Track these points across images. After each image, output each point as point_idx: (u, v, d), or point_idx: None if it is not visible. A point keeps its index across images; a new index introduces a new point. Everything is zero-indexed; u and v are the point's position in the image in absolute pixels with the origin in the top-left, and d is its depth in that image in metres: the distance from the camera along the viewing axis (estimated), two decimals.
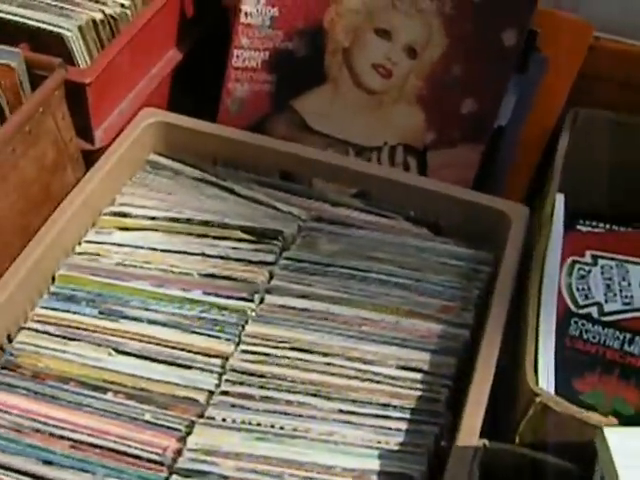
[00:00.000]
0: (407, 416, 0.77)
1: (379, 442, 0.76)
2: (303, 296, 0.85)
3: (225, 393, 0.79)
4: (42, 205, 0.88)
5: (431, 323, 0.84)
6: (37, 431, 0.77)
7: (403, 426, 0.77)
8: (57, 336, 0.83)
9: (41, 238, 0.85)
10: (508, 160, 0.98)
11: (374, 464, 0.75)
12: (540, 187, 0.98)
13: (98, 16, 0.98)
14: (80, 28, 0.96)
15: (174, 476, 0.74)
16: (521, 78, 0.96)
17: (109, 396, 0.80)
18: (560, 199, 0.89)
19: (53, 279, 0.87)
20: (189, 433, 0.77)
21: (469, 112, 0.98)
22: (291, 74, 1.00)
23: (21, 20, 0.96)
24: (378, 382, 0.79)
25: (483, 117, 0.98)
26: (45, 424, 0.78)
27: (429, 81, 0.98)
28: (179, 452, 0.76)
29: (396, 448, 0.76)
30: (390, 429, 0.77)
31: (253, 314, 0.84)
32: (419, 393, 0.79)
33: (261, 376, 0.80)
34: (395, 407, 0.78)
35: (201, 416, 0.78)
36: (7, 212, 0.84)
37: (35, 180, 0.87)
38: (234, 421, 0.77)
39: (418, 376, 0.80)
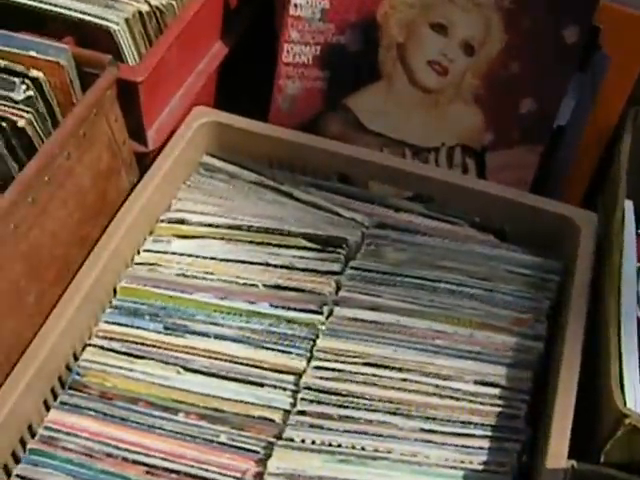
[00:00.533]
0: (488, 433, 0.76)
1: (462, 462, 0.74)
2: (372, 308, 0.83)
3: (302, 413, 0.76)
4: (99, 213, 0.84)
5: (505, 335, 0.81)
6: (109, 455, 0.75)
7: (485, 444, 0.75)
8: (123, 353, 0.81)
9: (101, 249, 0.82)
10: (567, 161, 0.96)
11: None
12: (597, 189, 0.96)
13: (144, 8, 0.92)
14: (127, 21, 0.90)
15: None
16: (582, 77, 0.94)
17: (180, 417, 0.77)
18: (629, 206, 0.87)
19: (114, 292, 0.85)
20: (267, 455, 0.75)
21: (528, 112, 0.95)
22: (344, 70, 0.96)
23: (64, 12, 0.90)
24: (457, 399, 0.77)
25: (543, 117, 0.95)
26: (117, 448, 0.75)
27: (487, 79, 0.95)
28: (259, 475, 0.74)
29: (480, 467, 0.74)
30: (473, 448, 0.75)
31: (323, 328, 0.82)
32: (498, 409, 0.77)
33: (338, 394, 0.77)
34: (476, 425, 0.76)
35: (278, 437, 0.76)
36: (65, 222, 0.80)
37: (91, 187, 0.83)
38: (314, 442, 0.75)
39: (496, 391, 0.78)
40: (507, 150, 0.96)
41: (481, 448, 0.75)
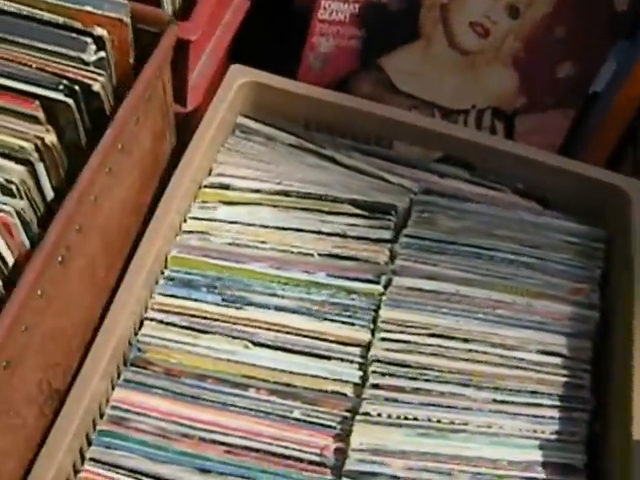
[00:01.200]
0: (557, 403, 0.76)
1: (535, 431, 0.74)
2: (431, 277, 0.81)
3: (376, 386, 0.75)
4: (153, 179, 0.80)
5: (562, 305, 0.81)
6: (185, 436, 0.72)
7: (555, 414, 0.76)
8: (184, 327, 0.77)
9: (160, 218, 0.77)
10: (596, 128, 0.96)
11: (536, 455, 0.74)
12: (619, 157, 0.97)
13: None
14: None
15: (344, 479, 0.71)
16: (625, 44, 0.94)
17: (251, 393, 0.75)
18: None
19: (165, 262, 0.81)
20: (344, 430, 0.73)
21: (566, 76, 0.94)
22: (381, 30, 0.93)
23: None
24: (524, 369, 0.77)
25: (579, 82, 0.94)
26: (192, 428, 0.72)
27: (527, 42, 0.93)
28: (339, 451, 0.73)
29: (553, 437, 0.75)
30: (543, 417, 0.75)
31: (384, 298, 0.81)
32: (563, 379, 0.77)
33: (408, 366, 0.76)
34: (543, 394, 0.76)
35: (351, 411, 0.75)
36: (130, 190, 0.75)
37: (149, 152, 0.78)
38: (390, 416, 0.73)
39: (559, 361, 0.78)
40: (539, 114, 0.96)
41: (551, 418, 0.75)
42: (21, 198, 0.64)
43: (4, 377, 0.59)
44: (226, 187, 0.85)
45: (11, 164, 0.64)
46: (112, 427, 0.72)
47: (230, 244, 0.82)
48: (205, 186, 0.85)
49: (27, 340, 0.62)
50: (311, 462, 0.72)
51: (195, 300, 0.79)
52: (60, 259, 0.64)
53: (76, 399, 0.67)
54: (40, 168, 0.65)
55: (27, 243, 0.64)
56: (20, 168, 0.64)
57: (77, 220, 0.65)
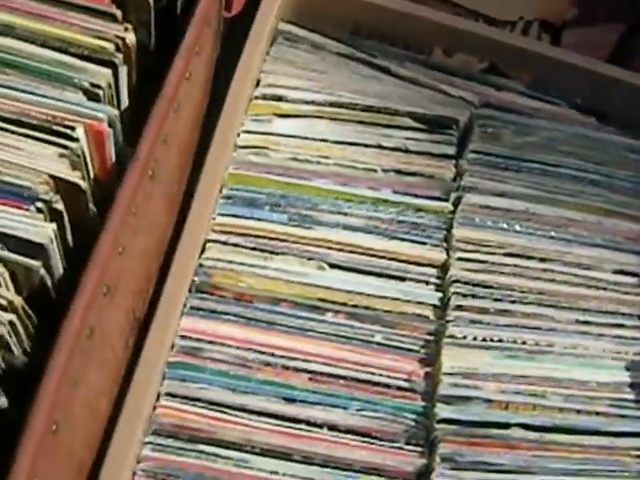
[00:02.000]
0: (638, 324, 0.74)
1: (619, 352, 0.71)
2: (500, 194, 0.77)
3: (459, 308, 0.71)
4: (208, 88, 0.72)
5: (631, 223, 0.78)
6: (267, 364, 0.67)
7: (637, 334, 0.73)
8: (251, 249, 0.71)
9: (221, 138, 0.70)
10: None
11: (623, 376, 0.70)
12: None
13: None
14: None
15: (439, 404, 0.67)
16: None
17: (329, 317, 0.70)
18: None
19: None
20: (428, 354, 0.69)
21: None
22: None
23: None
24: (603, 289, 0.74)
25: None
26: (273, 355, 0.67)
27: None
28: (427, 376, 0.69)
29: (637, 358, 0.72)
30: (626, 338, 0.72)
31: (456, 216, 0.76)
32: None
33: (488, 287, 0.72)
34: (624, 315, 0.73)
35: (432, 334, 0.70)
36: (183, 138, 0.68)
37: (210, 57, 0.71)
38: (475, 338, 0.69)
39: (635, 280, 0.76)
40: (588, 28, 0.92)
41: (634, 339, 0.72)
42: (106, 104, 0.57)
43: (104, 304, 0.53)
44: (279, 99, 0.79)
45: (95, 66, 0.57)
46: (185, 358, 0.66)
47: (290, 159, 0.76)
48: (256, 97, 0.79)
49: (123, 263, 0.55)
50: (400, 388, 0.67)
51: (259, 219, 0.72)
52: (151, 173, 0.57)
53: (160, 329, 0.61)
54: (123, 71, 0.58)
55: (114, 156, 0.57)
56: (106, 71, 0.57)
57: (164, 130, 0.59)
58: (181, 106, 0.61)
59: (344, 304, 0.70)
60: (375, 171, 0.77)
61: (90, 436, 0.55)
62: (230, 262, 0.70)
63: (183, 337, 0.67)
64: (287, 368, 0.67)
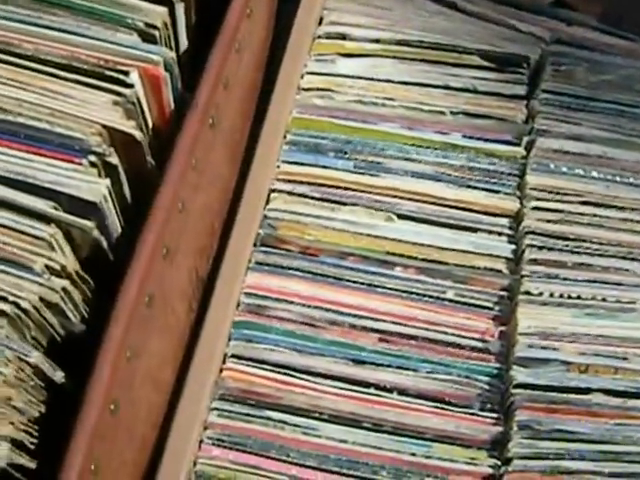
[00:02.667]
0: None
1: None
2: (575, 138, 0.67)
3: (534, 261, 0.62)
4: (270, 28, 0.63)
5: None
6: (334, 323, 0.58)
7: None
8: (317, 199, 0.62)
9: (283, 82, 0.62)
10: None
11: None
12: None
13: None
14: None
15: (515, 367, 0.59)
16: None
17: (398, 271, 0.61)
18: None
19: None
20: (502, 311, 0.61)
21: None
22: None
23: None
24: None
25: None
26: (340, 313, 0.59)
27: None
28: (502, 335, 0.61)
29: None
30: None
31: (530, 162, 0.66)
32: None
33: (565, 238, 0.62)
34: None
35: (506, 289, 0.62)
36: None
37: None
38: (552, 295, 0.60)
39: None
40: None
41: None
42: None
43: (164, 267, 0.45)
44: (342, 37, 0.68)
45: (150, 5, 0.48)
46: (251, 317, 0.58)
47: (355, 101, 0.66)
48: (319, 37, 0.69)
49: (183, 220, 0.47)
50: (473, 348, 0.59)
51: (324, 167, 0.63)
52: (211, 121, 0.49)
53: (226, 287, 0.53)
54: (180, 9, 0.49)
55: (172, 103, 0.49)
56: (161, 9, 0.48)
57: (225, 73, 0.50)
58: (242, 46, 0.52)
59: (413, 258, 0.61)
60: (443, 113, 0.67)
61: (153, 410, 0.48)
62: (295, 213, 0.61)
63: (248, 294, 0.58)
64: (355, 327, 0.58)
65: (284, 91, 0.60)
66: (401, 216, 0.62)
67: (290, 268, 0.60)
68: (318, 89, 0.66)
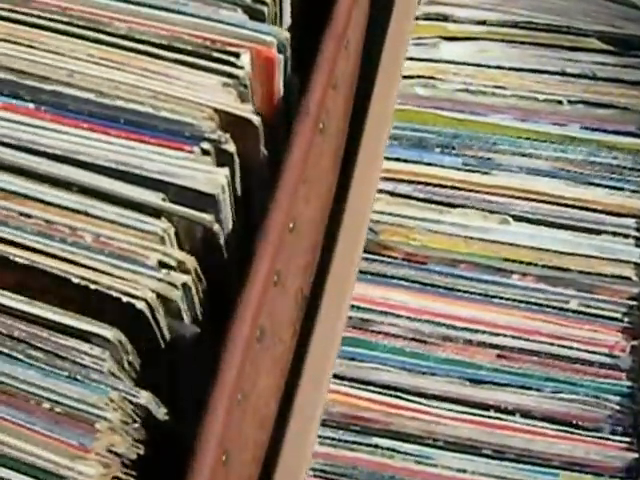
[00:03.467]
0: None
1: None
2: None
3: None
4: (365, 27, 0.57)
5: None
6: (447, 339, 0.52)
7: None
8: (422, 200, 0.56)
9: (386, 70, 0.55)
10: None
11: None
12: None
13: None
14: None
15: None
16: None
17: (515, 280, 0.54)
18: None
19: None
20: (632, 322, 0.54)
21: None
22: None
23: None
24: None
25: None
26: (454, 328, 0.52)
27: None
28: (634, 350, 0.54)
29: None
30: None
31: None
32: None
33: None
34: None
35: (635, 298, 0.55)
36: (351, 77, 0.54)
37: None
38: None
39: None
40: None
41: None
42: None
43: (274, 296, 0.39)
44: (444, 18, 0.62)
45: None
46: (355, 333, 0.52)
47: (461, 90, 0.60)
48: (417, 18, 0.63)
49: (294, 241, 0.41)
50: (602, 365, 0.52)
51: (429, 164, 0.57)
52: (321, 126, 0.43)
53: (334, 305, 0.47)
54: None
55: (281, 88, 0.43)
56: None
57: (336, 73, 0.44)
58: (350, 41, 0.46)
59: (532, 264, 0.54)
60: (560, 103, 0.60)
61: (258, 449, 0.42)
62: (399, 216, 0.55)
63: (352, 307, 0.52)
64: (470, 343, 0.52)
65: (386, 80, 0.53)
66: (515, 218, 0.55)
67: (395, 277, 0.53)
68: (419, 77, 0.59)
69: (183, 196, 0.42)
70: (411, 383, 0.50)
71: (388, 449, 0.49)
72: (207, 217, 0.42)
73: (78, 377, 0.37)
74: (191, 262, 0.41)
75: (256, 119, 0.43)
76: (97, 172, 0.43)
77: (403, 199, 0.55)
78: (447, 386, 0.51)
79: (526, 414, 0.50)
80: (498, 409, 0.50)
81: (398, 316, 0.52)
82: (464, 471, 0.49)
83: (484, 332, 0.52)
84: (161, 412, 0.38)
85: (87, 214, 0.42)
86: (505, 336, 0.52)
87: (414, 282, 0.53)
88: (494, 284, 0.54)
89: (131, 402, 0.36)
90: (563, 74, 0.60)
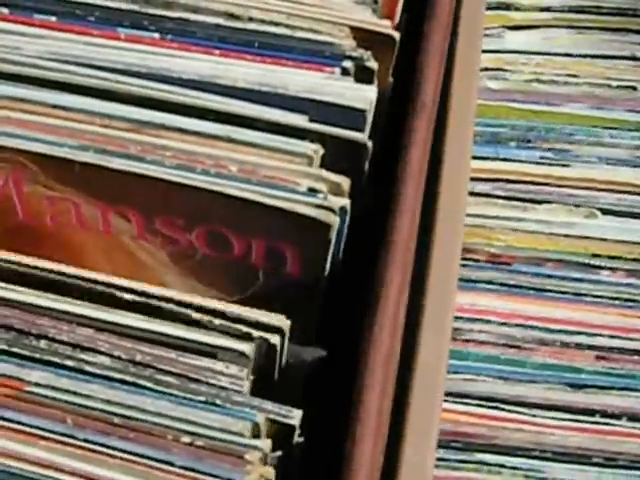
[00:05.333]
0: None
1: None
2: None
3: None
4: None
5: None
6: (542, 343, 0.47)
7: None
8: (503, 198, 0.52)
9: (463, 60, 0.51)
10: None
11: None
12: None
13: None
14: None
15: None
16: None
17: (604, 276, 0.50)
18: None
19: None
20: None
21: None
22: None
23: None
24: None
25: None
26: (547, 330, 0.48)
27: None
28: None
29: None
30: None
31: None
32: None
33: None
34: None
35: None
36: None
37: None
38: None
39: None
40: None
41: None
42: None
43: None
44: (507, 7, 0.58)
45: None
46: None
47: (532, 81, 0.56)
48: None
49: (411, 249, 0.37)
50: None
51: (506, 160, 0.53)
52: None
53: (437, 315, 0.43)
54: None
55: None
56: None
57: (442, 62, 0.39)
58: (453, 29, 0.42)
59: (622, 258, 0.50)
60: (634, 89, 0.56)
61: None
62: (480, 216, 0.51)
63: None
64: (567, 346, 0.47)
65: (466, 73, 0.49)
66: (602, 211, 0.51)
67: (480, 281, 0.49)
68: (487, 69, 0.55)
69: (329, 116, 0.37)
70: (510, 392, 0.46)
71: (495, 465, 0.44)
72: (359, 136, 0.37)
73: (217, 402, 0.32)
74: (346, 184, 0.36)
75: (397, 35, 0.38)
76: (235, 97, 0.38)
77: (482, 198, 0.51)
78: (547, 393, 0.46)
79: (633, 417, 0.46)
80: (604, 414, 0.46)
81: (488, 322, 0.48)
82: None
83: (580, 333, 0.48)
84: (297, 439, 0.33)
85: (230, 140, 0.37)
86: (602, 336, 0.48)
87: (501, 285, 0.49)
88: (584, 282, 0.49)
89: (281, 424, 0.31)
90: (634, 59, 0.56)
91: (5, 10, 0.39)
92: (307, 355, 0.36)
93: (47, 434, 0.32)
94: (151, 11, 0.39)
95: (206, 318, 0.33)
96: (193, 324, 0.34)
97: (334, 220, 0.35)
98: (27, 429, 0.32)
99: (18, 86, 0.37)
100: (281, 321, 0.34)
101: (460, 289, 0.48)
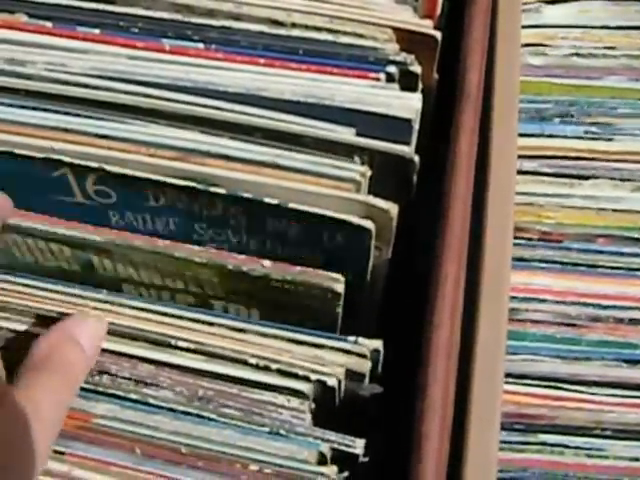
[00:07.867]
0: None
1: None
2: None
3: None
4: None
5: None
6: (596, 320, 0.44)
7: None
8: (550, 175, 0.47)
9: (505, 35, 0.47)
10: None
11: None
12: None
13: None
14: None
15: None
16: None
17: None
18: None
19: None
20: None
21: None
22: None
23: None
24: None
25: None
26: (601, 307, 0.44)
27: None
28: None
29: None
30: None
31: None
32: None
33: None
34: None
35: None
36: None
37: None
38: None
39: None
40: None
41: None
42: None
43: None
44: None
45: None
46: None
47: (570, 55, 0.51)
48: None
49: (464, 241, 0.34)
50: None
51: (550, 136, 0.49)
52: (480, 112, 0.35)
53: (493, 298, 0.40)
54: None
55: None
56: None
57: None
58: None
59: None
60: None
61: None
62: (528, 194, 0.47)
63: None
64: (622, 321, 0.44)
65: (508, 51, 0.45)
66: None
67: (533, 260, 0.46)
68: (527, 45, 0.51)
69: (375, 128, 0.34)
70: (568, 371, 0.43)
71: (557, 445, 0.42)
72: (406, 149, 0.34)
73: (281, 432, 0.30)
74: (394, 210, 0.34)
75: (439, 35, 0.35)
76: (282, 110, 0.35)
77: (529, 176, 0.47)
78: (604, 370, 0.44)
79: None
80: None
81: (542, 301, 0.45)
82: (637, 459, 0.42)
83: (634, 308, 0.45)
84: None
85: (276, 166, 0.34)
86: None
87: (553, 263, 0.46)
88: (635, 256, 0.46)
89: (343, 452, 0.29)
90: None
91: (49, 24, 0.36)
92: (365, 392, 0.33)
93: (118, 462, 0.30)
94: (194, 20, 0.36)
95: (262, 363, 0.31)
96: (251, 366, 0.31)
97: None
98: (98, 457, 0.30)
99: (64, 106, 0.34)
100: (335, 368, 0.31)
101: (514, 268, 0.45)
